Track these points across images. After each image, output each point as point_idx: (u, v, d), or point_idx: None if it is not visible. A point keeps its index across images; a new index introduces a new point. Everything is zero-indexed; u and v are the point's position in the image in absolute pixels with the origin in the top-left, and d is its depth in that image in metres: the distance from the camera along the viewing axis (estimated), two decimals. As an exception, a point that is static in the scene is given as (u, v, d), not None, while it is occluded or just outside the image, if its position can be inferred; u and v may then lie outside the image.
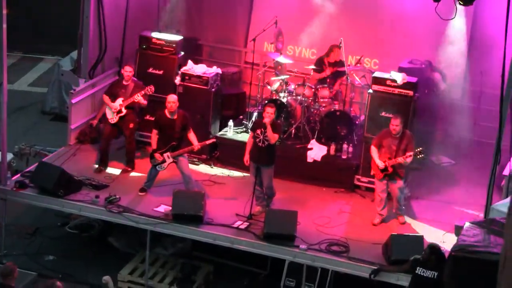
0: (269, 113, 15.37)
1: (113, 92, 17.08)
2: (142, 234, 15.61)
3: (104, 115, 17.30)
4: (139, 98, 16.79)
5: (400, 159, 14.99)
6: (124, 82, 17.05)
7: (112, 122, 16.96)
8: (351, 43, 18.04)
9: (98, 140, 18.03)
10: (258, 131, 15.36)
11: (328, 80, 17.54)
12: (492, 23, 15.56)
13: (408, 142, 15.08)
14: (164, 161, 16.00)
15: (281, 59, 18.05)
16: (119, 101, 16.90)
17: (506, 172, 14.43)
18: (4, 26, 15.63)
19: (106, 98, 17.15)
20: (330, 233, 15.04)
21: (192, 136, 15.99)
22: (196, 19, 19.82)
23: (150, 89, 16.81)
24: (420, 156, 15.23)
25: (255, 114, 17.87)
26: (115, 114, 16.95)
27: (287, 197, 16.15)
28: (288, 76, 17.89)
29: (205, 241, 15.23)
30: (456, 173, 17.39)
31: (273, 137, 15.20)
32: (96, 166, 17.10)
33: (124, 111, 16.90)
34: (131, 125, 17.06)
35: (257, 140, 15.45)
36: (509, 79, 13.38)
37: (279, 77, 17.80)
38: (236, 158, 17.10)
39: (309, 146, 16.95)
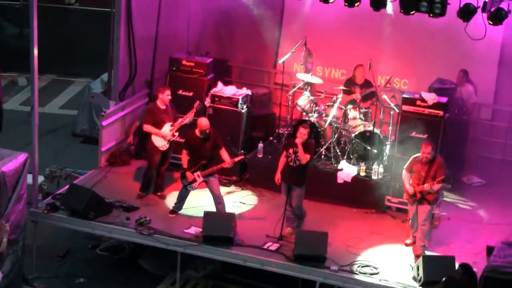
0: (302, 133, 15.44)
1: (156, 119, 16.93)
2: (172, 256, 15.54)
3: (147, 143, 17.22)
4: (191, 117, 16.78)
5: (426, 186, 14.89)
6: (162, 107, 16.93)
7: (163, 149, 16.90)
8: (381, 63, 17.97)
9: (128, 162, 18.33)
10: (290, 151, 15.41)
11: (358, 101, 17.60)
12: None
13: (438, 169, 14.99)
14: (194, 180, 15.99)
15: (311, 79, 18.01)
16: (168, 126, 16.86)
17: None
18: (35, 51, 15.79)
19: (149, 128, 16.98)
20: (361, 254, 15.09)
21: (224, 153, 16.03)
22: (226, 41, 19.88)
23: (199, 106, 16.91)
24: (443, 183, 15.21)
25: (285, 135, 17.84)
26: (167, 141, 16.93)
27: (318, 218, 16.20)
28: (313, 97, 17.90)
29: (235, 262, 15.25)
30: (486, 193, 17.28)
31: (305, 158, 15.26)
32: (139, 192, 17.13)
33: (175, 135, 16.89)
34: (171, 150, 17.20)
35: (289, 159, 15.47)
36: None
37: (306, 95, 17.84)
38: (266, 179, 17.07)
39: (339, 167, 16.94)
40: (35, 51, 15.89)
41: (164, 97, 16.92)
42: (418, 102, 16.32)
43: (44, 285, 13.96)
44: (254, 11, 19.17)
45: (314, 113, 17.51)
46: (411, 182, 15.12)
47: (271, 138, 18.48)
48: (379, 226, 16.30)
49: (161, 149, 16.91)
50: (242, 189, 17.53)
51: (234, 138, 17.59)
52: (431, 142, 15.12)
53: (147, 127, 16.98)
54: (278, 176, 15.63)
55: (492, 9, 13.81)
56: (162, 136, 16.82)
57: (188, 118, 16.72)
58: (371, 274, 14.44)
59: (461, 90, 17.67)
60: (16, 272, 15.03)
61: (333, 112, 17.47)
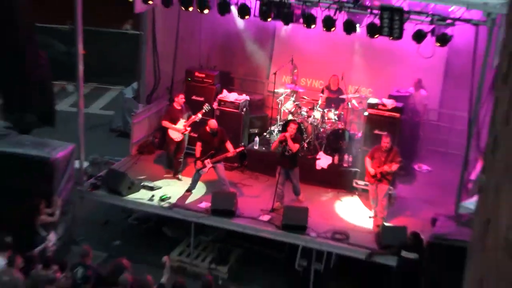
0: (292, 128, 15.50)
1: (172, 117, 16.99)
2: (188, 225, 15.71)
3: (166, 133, 17.31)
4: (200, 116, 16.78)
5: (386, 167, 15.00)
6: (178, 107, 16.95)
7: (178, 140, 16.96)
8: (351, 75, 17.98)
9: (153, 152, 18.40)
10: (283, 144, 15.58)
11: (333, 105, 17.46)
12: (463, 56, 15.39)
13: (394, 155, 15.04)
14: (204, 166, 16.01)
15: (295, 88, 18.35)
16: (182, 123, 16.88)
17: (472, 177, 14.45)
18: (81, 66, 15.98)
19: (167, 123, 17.08)
20: (334, 224, 15.14)
21: (228, 145, 15.97)
22: (230, 58, 20.02)
23: (207, 107, 16.94)
24: (400, 164, 15.31)
25: (276, 130, 18.06)
26: (181, 134, 16.97)
27: (301, 197, 16.24)
28: (298, 102, 18.08)
29: (236, 230, 15.36)
30: (433, 178, 17.39)
31: (294, 147, 15.31)
32: (167, 169, 17.36)
33: (188, 129, 16.93)
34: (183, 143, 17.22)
35: (284, 151, 15.55)
36: (475, 103, 13.59)
37: (291, 101, 18.05)
38: (261, 165, 17.24)
39: (317, 157, 16.82)
40: (80, 67, 15.99)
41: (179, 100, 16.96)
42: (380, 106, 16.28)
43: (88, 246, 13.60)
44: (252, 35, 19.22)
45: (300, 113, 17.56)
46: (371, 166, 15.20)
47: (264, 134, 18.37)
48: (348, 202, 16.29)
49: (176, 140, 16.94)
50: (242, 173, 17.49)
51: (236, 134, 17.48)
52: (390, 134, 15.23)
53: (165, 123, 17.09)
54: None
55: (439, 33, 13.93)
56: (177, 130, 16.86)
57: (198, 116, 16.72)
58: (342, 239, 14.51)
59: (415, 95, 17.63)
60: (67, 236, 15.35)
61: (315, 114, 17.40)
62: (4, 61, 15.52)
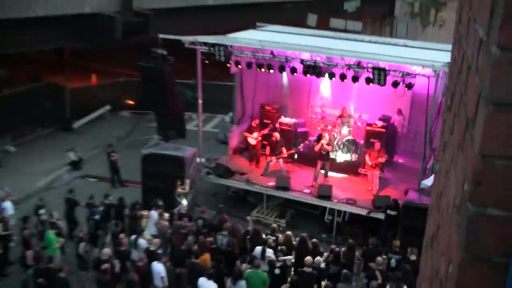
0: (326, 138, 15.45)
1: (250, 131, 17.04)
2: (262, 195, 15.74)
3: (247, 141, 17.26)
4: (267, 131, 16.63)
5: (380, 160, 15.00)
6: (254, 125, 17.14)
7: (254, 144, 16.90)
8: (356, 106, 17.05)
9: (242, 152, 17.99)
10: (319, 146, 15.51)
11: (345, 124, 16.87)
12: (421, 95, 14.70)
13: (382, 153, 15.10)
14: (271, 161, 16.22)
15: (324, 114, 17.63)
16: (255, 134, 16.85)
17: (428, 165, 14.20)
18: (200, 102, 16.29)
19: (247, 134, 17.07)
20: (348, 194, 15.11)
21: (284, 149, 16.14)
22: (283, 97, 18.76)
23: (271, 126, 16.88)
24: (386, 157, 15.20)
25: (312, 140, 17.26)
26: (256, 141, 16.85)
27: (329, 179, 16.06)
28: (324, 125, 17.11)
29: (290, 198, 15.44)
30: (405, 167, 16.64)
31: (328, 149, 15.37)
32: (250, 162, 17.11)
33: (259, 138, 16.86)
34: (259, 145, 17.04)
35: (322, 151, 15.46)
36: (428, 123, 13.42)
37: (321, 123, 17.14)
38: (305, 160, 16.76)
39: (337, 155, 16.40)
40: (200, 103, 16.20)
41: (255, 122, 17.23)
42: (373, 125, 16.17)
43: (205, 208, 13.79)
44: (295, 84, 17.84)
45: (326, 129, 16.85)
46: (369, 159, 15.16)
47: (306, 142, 17.69)
48: (356, 182, 16.14)
49: (253, 144, 16.90)
50: (293, 164, 17.09)
51: (289, 142, 16.89)
52: (379, 141, 15.17)
53: (246, 134, 17.02)
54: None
55: (406, 82, 13.92)
56: (254, 138, 16.85)
57: (266, 130, 16.74)
58: (352, 203, 14.63)
59: (397, 119, 16.78)
60: (192, 202, 15.56)
61: (339, 130, 16.80)
62: (158, 101, 15.53)
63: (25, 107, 20.95)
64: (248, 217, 13.73)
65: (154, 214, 13.06)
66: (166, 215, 13.01)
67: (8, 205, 13.68)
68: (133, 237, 12.12)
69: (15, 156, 20.07)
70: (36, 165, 19.21)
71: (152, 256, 11.33)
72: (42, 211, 13.59)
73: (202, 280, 10.30)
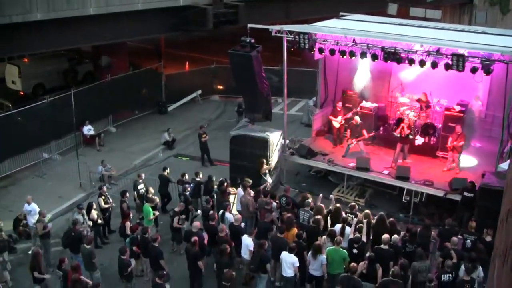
0: (406, 122, 15.52)
1: (335, 115, 17.15)
2: (343, 175, 15.88)
3: (331, 124, 17.35)
4: (350, 115, 16.66)
5: (460, 143, 14.71)
6: (338, 109, 17.20)
7: (337, 127, 16.98)
8: (436, 90, 16.70)
9: (324, 135, 17.93)
10: (399, 131, 15.58)
11: (424, 108, 16.83)
12: (500, 80, 14.29)
13: (461, 136, 14.97)
14: (352, 143, 16.26)
15: (403, 99, 17.56)
16: (340, 118, 16.99)
17: (505, 150, 14.01)
18: (285, 88, 16.53)
19: (332, 118, 17.21)
20: (425, 177, 14.98)
21: (365, 132, 16.31)
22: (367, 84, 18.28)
23: (353, 111, 16.88)
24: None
25: (393, 123, 17.10)
26: (339, 124, 16.95)
27: (406, 160, 16.03)
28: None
29: (371, 178, 15.31)
30: (483, 150, 16.07)
31: (407, 132, 15.42)
32: (334, 144, 17.15)
33: (342, 122, 16.93)
34: (342, 129, 17.08)
35: (400, 134, 15.50)
36: (506, 108, 13.41)
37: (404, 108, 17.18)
38: (386, 143, 16.76)
39: (416, 138, 16.29)
40: (285, 89, 16.45)
41: (338, 106, 17.33)
42: (451, 109, 15.89)
43: (289, 186, 13.90)
44: (377, 70, 17.46)
45: (406, 114, 16.94)
46: (450, 142, 14.96)
47: (386, 125, 17.57)
48: (434, 164, 15.75)
49: (336, 127, 17.00)
50: (374, 146, 17.02)
51: (369, 126, 16.84)
52: (460, 125, 14.90)
53: (330, 117, 17.30)
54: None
55: (485, 68, 13.23)
56: (337, 122, 16.94)
57: (350, 114, 16.75)
58: (429, 184, 14.37)
59: (474, 104, 16.21)
60: (277, 180, 15.88)
61: (418, 114, 16.73)
62: (248, 87, 15.72)
63: (126, 92, 22.31)
64: (331, 196, 14.00)
65: (241, 191, 13.53)
66: (252, 192, 13.39)
67: (33, 207, 13.61)
68: (221, 211, 12.64)
69: (116, 136, 21.41)
70: (134, 144, 20.43)
71: (236, 230, 11.75)
72: (140, 186, 14.44)
73: (284, 254, 10.81)
